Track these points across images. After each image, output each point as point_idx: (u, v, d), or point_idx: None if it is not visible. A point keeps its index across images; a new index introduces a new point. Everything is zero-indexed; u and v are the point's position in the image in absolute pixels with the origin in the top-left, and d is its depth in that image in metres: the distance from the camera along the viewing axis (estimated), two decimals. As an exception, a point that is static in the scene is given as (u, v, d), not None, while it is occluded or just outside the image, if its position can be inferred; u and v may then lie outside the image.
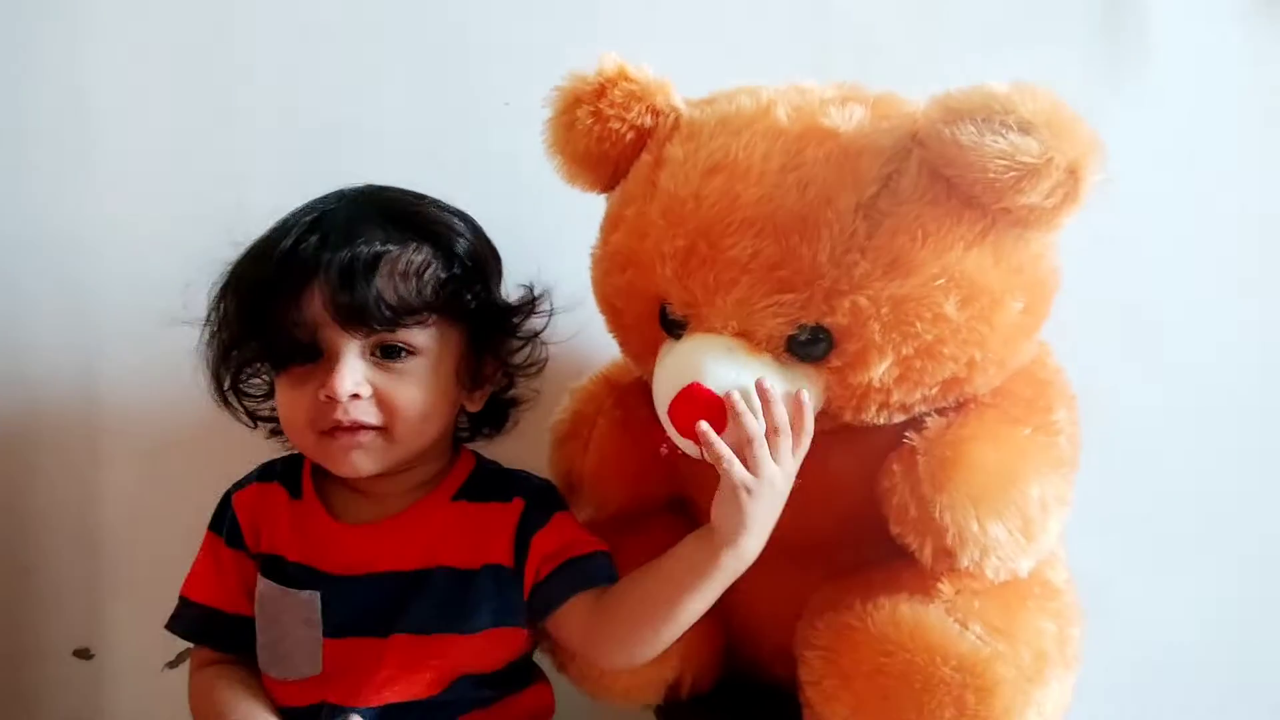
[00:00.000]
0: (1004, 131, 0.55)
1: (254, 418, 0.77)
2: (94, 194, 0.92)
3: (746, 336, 0.62)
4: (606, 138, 0.69)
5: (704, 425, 0.60)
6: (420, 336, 0.69)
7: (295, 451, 0.77)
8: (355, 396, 0.67)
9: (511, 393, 0.79)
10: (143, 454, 0.94)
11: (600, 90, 0.68)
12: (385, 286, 0.67)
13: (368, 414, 0.68)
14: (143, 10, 0.90)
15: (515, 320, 0.76)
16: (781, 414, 0.62)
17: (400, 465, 0.72)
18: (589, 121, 0.68)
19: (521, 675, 0.76)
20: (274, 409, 0.77)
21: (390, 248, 0.68)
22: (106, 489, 0.94)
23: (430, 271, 0.69)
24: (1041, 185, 0.56)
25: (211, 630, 0.74)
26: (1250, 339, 0.92)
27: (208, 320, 0.75)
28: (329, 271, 0.67)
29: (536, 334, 0.77)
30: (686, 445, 0.63)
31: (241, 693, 0.72)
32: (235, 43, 0.91)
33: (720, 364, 0.61)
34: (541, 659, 0.78)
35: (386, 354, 0.69)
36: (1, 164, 0.91)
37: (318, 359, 0.68)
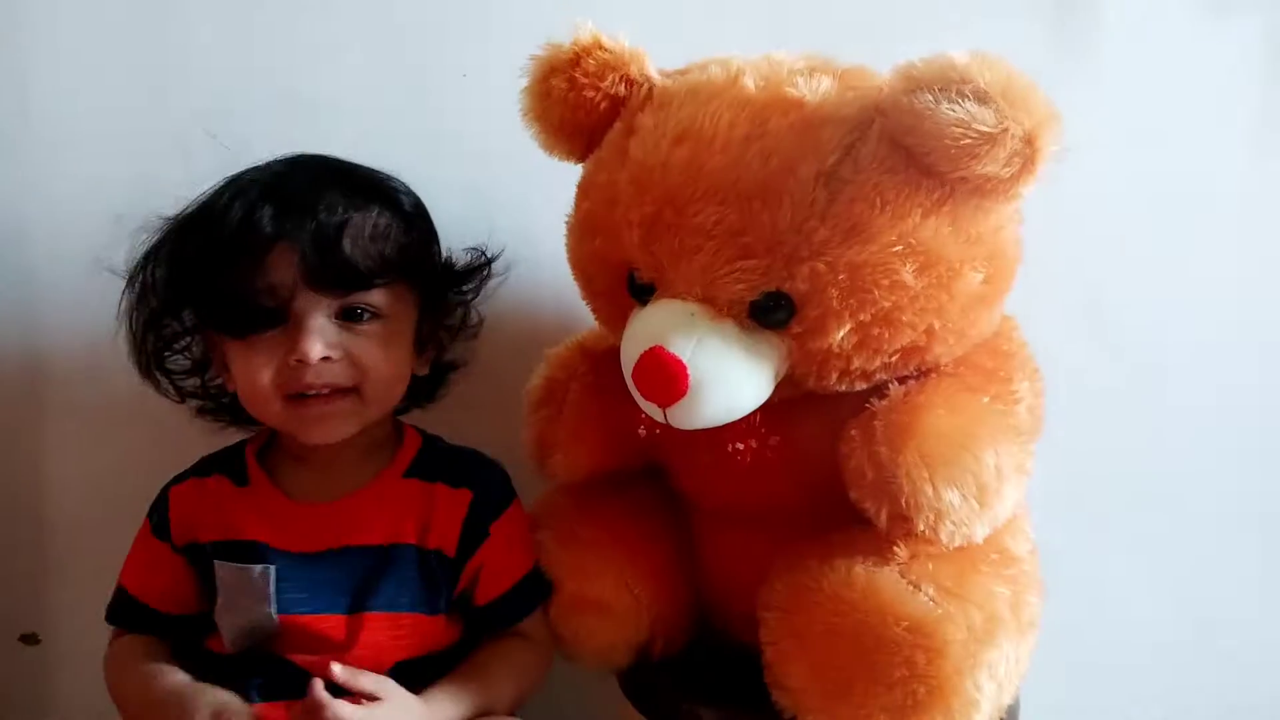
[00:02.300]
0: (960, 100, 0.56)
1: (181, 393, 0.78)
2: (30, 175, 0.91)
3: (710, 302, 0.63)
4: (581, 106, 0.70)
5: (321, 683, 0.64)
6: (382, 298, 0.70)
7: (231, 443, 0.78)
8: (326, 359, 0.68)
9: (449, 357, 0.81)
10: (90, 436, 0.94)
11: (575, 59, 0.69)
12: (355, 249, 0.69)
13: (339, 376, 0.69)
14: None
15: (468, 283, 0.79)
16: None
17: (367, 428, 0.73)
18: (564, 90, 0.69)
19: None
20: (197, 386, 0.78)
21: (353, 213, 0.70)
22: (53, 471, 0.94)
23: (393, 233, 0.72)
24: (998, 154, 0.57)
25: (128, 616, 0.75)
26: (1204, 318, 0.93)
27: (131, 286, 0.74)
28: (299, 236, 0.68)
29: (474, 296, 0.80)
30: (649, 407, 0.65)
31: (153, 651, 0.73)
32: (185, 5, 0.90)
33: (682, 328, 0.63)
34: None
35: (349, 316, 0.70)
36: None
37: (282, 324, 0.69)
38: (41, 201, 0.92)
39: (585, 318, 0.79)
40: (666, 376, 0.62)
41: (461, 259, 0.80)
